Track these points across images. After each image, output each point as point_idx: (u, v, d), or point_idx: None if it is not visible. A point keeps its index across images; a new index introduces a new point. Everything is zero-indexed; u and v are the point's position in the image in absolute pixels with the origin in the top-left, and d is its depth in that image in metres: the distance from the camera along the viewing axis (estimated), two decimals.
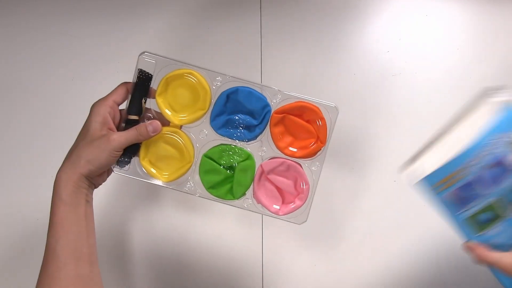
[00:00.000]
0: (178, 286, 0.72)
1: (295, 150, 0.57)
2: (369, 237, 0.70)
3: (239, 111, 0.57)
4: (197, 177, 0.57)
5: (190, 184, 0.58)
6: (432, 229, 0.69)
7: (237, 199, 0.58)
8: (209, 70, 0.55)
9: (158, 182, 0.57)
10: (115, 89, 0.55)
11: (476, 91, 0.72)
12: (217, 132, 0.57)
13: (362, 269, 0.70)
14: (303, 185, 0.57)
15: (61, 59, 0.78)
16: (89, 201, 0.51)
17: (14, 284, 0.74)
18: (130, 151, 0.55)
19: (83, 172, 0.50)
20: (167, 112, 0.56)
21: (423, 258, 0.68)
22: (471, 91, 0.73)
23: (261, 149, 0.57)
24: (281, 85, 0.74)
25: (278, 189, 0.58)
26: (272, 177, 0.57)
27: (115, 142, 0.50)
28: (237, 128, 0.57)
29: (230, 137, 0.57)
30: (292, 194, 0.58)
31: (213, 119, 0.56)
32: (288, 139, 0.57)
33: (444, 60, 0.73)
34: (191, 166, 0.57)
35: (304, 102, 0.55)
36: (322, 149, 0.56)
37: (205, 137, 0.57)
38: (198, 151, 0.57)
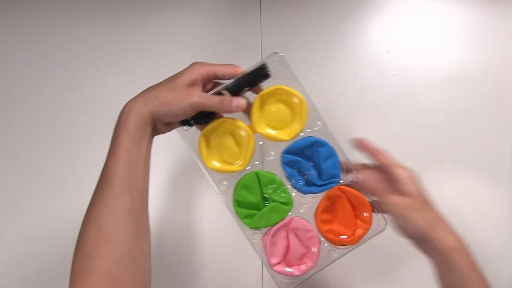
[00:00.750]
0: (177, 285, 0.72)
1: (326, 229, 0.56)
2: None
3: (312, 161, 0.56)
4: (234, 183, 0.55)
5: (225, 184, 0.55)
6: None
7: (250, 228, 0.56)
8: (315, 109, 0.55)
9: (201, 163, 0.54)
10: (224, 64, 0.53)
11: (476, 91, 0.73)
12: (282, 164, 0.56)
13: (365, 271, 0.70)
14: (313, 256, 0.56)
15: (61, 59, 0.78)
16: (150, 142, 0.50)
17: (14, 284, 0.74)
18: (200, 118, 0.52)
19: (154, 112, 0.48)
20: (257, 115, 0.54)
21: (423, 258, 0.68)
22: (471, 91, 0.73)
23: (303, 206, 0.56)
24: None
25: (288, 247, 0.56)
26: (291, 235, 0.56)
27: (195, 98, 0.48)
28: (300, 175, 0.56)
29: (289, 177, 0.56)
30: (295, 261, 0.56)
31: (286, 151, 0.55)
32: (328, 215, 0.57)
33: (444, 60, 0.73)
34: (241, 170, 0.54)
35: (364, 198, 0.55)
36: (349, 246, 0.55)
37: (269, 158, 0.56)
38: (253, 163, 0.55)
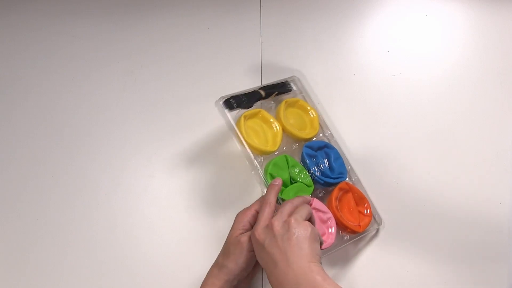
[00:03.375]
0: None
1: (339, 215, 0.63)
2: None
3: (326, 159, 0.67)
4: (266, 161, 0.64)
5: (262, 160, 0.64)
6: (430, 228, 0.69)
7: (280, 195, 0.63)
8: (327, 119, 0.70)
9: (240, 138, 0.62)
10: (258, 202, 0.60)
11: (476, 91, 0.73)
12: (303, 154, 0.65)
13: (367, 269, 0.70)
14: (325, 241, 0.61)
15: (61, 59, 0.78)
16: None
17: (14, 283, 0.74)
18: (242, 104, 0.64)
19: (228, 279, 0.55)
20: (283, 114, 0.66)
21: (421, 256, 0.68)
22: (471, 91, 0.73)
23: (322, 191, 0.66)
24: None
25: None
26: (313, 213, 0.61)
27: (245, 244, 0.55)
28: (315, 165, 0.66)
29: (309, 166, 0.65)
30: None
31: (307, 145, 0.66)
32: (340, 204, 0.65)
33: (444, 60, 0.73)
34: (272, 151, 0.64)
35: (364, 196, 0.66)
36: (357, 234, 0.64)
37: (294, 149, 0.67)
38: (281, 148, 0.65)
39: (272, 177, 0.63)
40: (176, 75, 0.76)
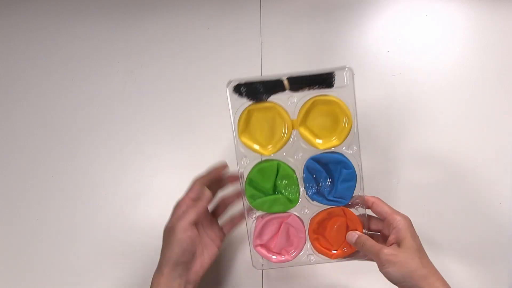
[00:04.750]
0: None
1: (315, 236, 0.60)
2: None
3: (331, 177, 0.58)
4: (253, 163, 0.58)
5: (245, 160, 0.57)
6: (430, 228, 0.69)
7: (251, 206, 0.59)
8: (357, 133, 0.56)
9: (235, 134, 0.56)
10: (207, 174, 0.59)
11: (477, 91, 0.73)
12: (304, 167, 0.57)
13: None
14: (292, 252, 0.60)
15: (61, 59, 0.78)
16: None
17: (14, 283, 0.74)
18: (253, 94, 0.53)
19: (169, 270, 0.54)
20: (304, 114, 0.55)
21: None
22: (471, 91, 0.73)
23: (304, 210, 0.60)
24: None
25: (275, 236, 0.61)
26: (283, 228, 0.60)
27: (178, 229, 0.54)
28: (315, 183, 0.58)
29: (305, 180, 0.58)
30: (275, 249, 0.61)
31: (314, 158, 0.57)
32: (321, 228, 0.60)
33: (444, 60, 0.73)
34: (266, 155, 0.57)
35: (361, 227, 0.59)
36: (327, 258, 0.60)
37: (297, 158, 0.58)
38: (281, 153, 0.57)
39: (251, 183, 0.57)
40: (176, 75, 0.76)
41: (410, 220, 0.55)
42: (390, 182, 0.71)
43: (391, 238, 0.54)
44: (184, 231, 0.54)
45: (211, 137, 0.74)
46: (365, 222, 0.59)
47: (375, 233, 0.60)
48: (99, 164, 0.75)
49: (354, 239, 0.57)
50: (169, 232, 0.55)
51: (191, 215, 0.55)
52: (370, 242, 0.55)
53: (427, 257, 0.54)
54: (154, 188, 0.74)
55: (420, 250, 0.53)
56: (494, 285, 0.68)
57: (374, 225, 0.59)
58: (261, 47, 0.75)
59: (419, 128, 0.72)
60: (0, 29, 0.80)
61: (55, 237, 0.74)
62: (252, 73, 0.75)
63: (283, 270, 0.71)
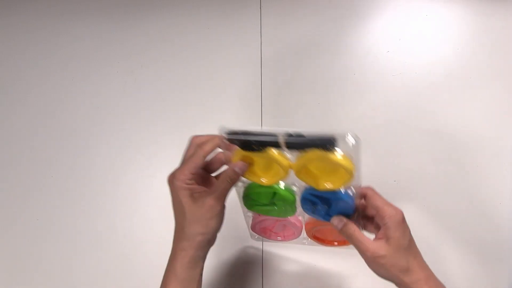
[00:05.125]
0: None
1: (310, 227, 0.60)
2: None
3: (327, 204, 0.54)
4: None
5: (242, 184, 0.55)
6: (430, 228, 0.69)
7: (247, 208, 0.59)
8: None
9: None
10: (203, 145, 0.53)
11: (476, 90, 0.73)
12: (302, 197, 0.54)
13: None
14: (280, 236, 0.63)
15: (61, 59, 0.78)
16: (202, 267, 0.53)
17: (14, 283, 0.74)
18: (249, 146, 0.49)
19: (201, 246, 0.51)
20: (302, 162, 0.49)
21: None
22: (471, 91, 0.73)
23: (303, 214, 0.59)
24: (282, 86, 0.74)
25: (272, 227, 0.63)
26: (280, 222, 0.61)
27: (218, 206, 0.50)
28: (310, 208, 0.55)
29: (302, 206, 0.55)
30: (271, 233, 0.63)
31: (309, 189, 0.53)
32: (319, 225, 0.60)
33: (444, 60, 0.73)
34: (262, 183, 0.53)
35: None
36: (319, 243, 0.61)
37: (293, 188, 0.55)
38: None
39: (248, 197, 0.56)
40: (176, 75, 0.76)
41: (402, 215, 0.52)
42: (390, 182, 0.71)
43: (380, 233, 0.52)
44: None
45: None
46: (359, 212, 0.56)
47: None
48: (99, 164, 0.75)
49: (340, 226, 0.52)
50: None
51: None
52: (357, 234, 0.51)
53: (417, 254, 0.52)
54: (154, 188, 0.74)
55: (408, 249, 0.51)
56: (494, 285, 0.68)
57: (369, 211, 0.56)
58: (261, 47, 0.75)
59: (419, 128, 0.72)
60: (0, 29, 0.80)
61: (55, 236, 0.74)
62: (253, 72, 0.75)
63: (283, 273, 0.71)
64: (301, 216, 0.60)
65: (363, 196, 0.55)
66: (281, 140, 0.47)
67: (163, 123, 0.75)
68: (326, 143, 0.46)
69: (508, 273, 0.68)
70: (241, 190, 0.57)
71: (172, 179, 0.51)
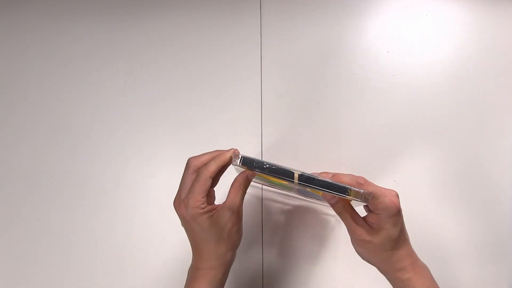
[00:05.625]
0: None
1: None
2: None
3: None
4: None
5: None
6: (430, 228, 0.69)
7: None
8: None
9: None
10: (210, 156, 0.53)
11: (476, 91, 0.73)
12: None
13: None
14: None
15: (61, 59, 0.78)
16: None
17: (14, 283, 0.74)
18: (261, 170, 0.50)
19: (230, 263, 0.52)
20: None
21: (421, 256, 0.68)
22: (471, 91, 0.73)
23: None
24: (282, 86, 0.74)
25: None
26: None
27: (236, 221, 0.51)
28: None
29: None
30: None
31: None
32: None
33: (444, 60, 0.73)
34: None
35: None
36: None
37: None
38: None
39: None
40: (176, 75, 0.76)
41: (398, 208, 0.50)
42: (390, 182, 0.71)
43: (373, 218, 0.51)
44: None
45: (211, 137, 0.74)
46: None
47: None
48: (99, 164, 0.75)
49: (333, 201, 0.52)
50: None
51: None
52: (349, 212, 0.51)
53: (404, 242, 0.51)
54: (154, 188, 0.74)
55: (397, 239, 0.50)
56: (494, 285, 0.68)
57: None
58: (261, 47, 0.75)
59: (419, 128, 0.72)
60: (0, 29, 0.80)
61: (55, 237, 0.74)
62: (253, 72, 0.75)
63: (283, 279, 0.71)
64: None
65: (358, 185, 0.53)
66: (296, 174, 0.48)
67: (163, 123, 0.75)
68: (339, 191, 0.48)
69: (508, 273, 0.67)
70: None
71: (184, 209, 0.50)
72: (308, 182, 0.48)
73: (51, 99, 0.78)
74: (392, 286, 0.52)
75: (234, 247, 0.51)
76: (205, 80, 0.76)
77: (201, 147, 0.73)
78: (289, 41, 0.75)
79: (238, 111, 0.74)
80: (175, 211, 0.52)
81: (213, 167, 0.50)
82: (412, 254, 0.51)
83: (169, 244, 0.72)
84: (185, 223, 0.50)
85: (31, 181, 0.76)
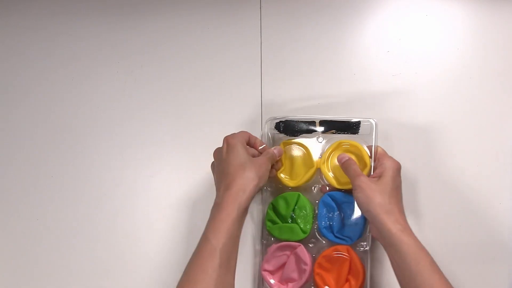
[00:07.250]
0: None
1: (318, 271, 0.62)
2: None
3: (343, 214, 0.63)
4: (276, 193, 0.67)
5: (268, 189, 0.67)
6: (429, 227, 0.69)
7: (268, 231, 0.66)
8: None
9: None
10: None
11: (476, 91, 0.73)
12: (320, 202, 0.64)
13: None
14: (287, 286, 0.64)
15: (61, 59, 0.78)
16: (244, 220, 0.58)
17: (14, 283, 0.74)
18: (288, 130, 0.66)
19: (257, 188, 0.57)
20: (327, 154, 0.64)
21: None
22: (471, 91, 0.73)
23: (311, 241, 0.65)
24: (282, 86, 0.74)
25: (283, 265, 0.64)
26: (292, 258, 0.63)
27: (264, 164, 0.60)
28: (326, 218, 0.63)
29: (319, 216, 0.63)
30: (281, 279, 0.64)
31: (330, 194, 0.63)
32: (326, 264, 0.63)
33: (444, 60, 0.73)
34: (291, 186, 0.65)
35: (362, 270, 0.61)
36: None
37: (315, 191, 0.66)
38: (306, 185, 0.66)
39: (273, 208, 0.65)
40: (176, 75, 0.76)
41: (399, 166, 0.59)
42: None
43: (375, 173, 0.59)
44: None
45: (211, 137, 0.73)
46: (366, 266, 0.62)
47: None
48: (99, 164, 0.75)
49: (343, 160, 0.61)
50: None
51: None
52: (355, 167, 0.59)
53: (399, 201, 0.57)
54: (154, 188, 0.74)
55: (394, 191, 0.56)
56: (494, 285, 0.68)
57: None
58: (261, 47, 0.75)
59: (419, 128, 0.72)
60: (0, 29, 0.80)
61: (55, 237, 0.74)
62: (253, 72, 0.75)
63: None
64: (312, 244, 0.65)
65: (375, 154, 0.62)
66: (317, 122, 0.64)
67: (163, 123, 0.75)
68: (353, 125, 0.64)
69: (508, 273, 0.67)
70: (266, 208, 0.66)
71: (231, 137, 0.59)
72: (328, 125, 0.64)
73: (51, 99, 0.78)
74: (383, 242, 0.54)
75: (261, 178, 0.57)
76: (205, 80, 0.76)
77: (201, 147, 0.73)
78: (289, 41, 0.75)
79: (238, 111, 0.74)
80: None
81: (249, 133, 0.62)
82: (404, 216, 0.55)
83: (169, 244, 0.72)
84: (226, 148, 0.58)
85: (31, 181, 0.76)
